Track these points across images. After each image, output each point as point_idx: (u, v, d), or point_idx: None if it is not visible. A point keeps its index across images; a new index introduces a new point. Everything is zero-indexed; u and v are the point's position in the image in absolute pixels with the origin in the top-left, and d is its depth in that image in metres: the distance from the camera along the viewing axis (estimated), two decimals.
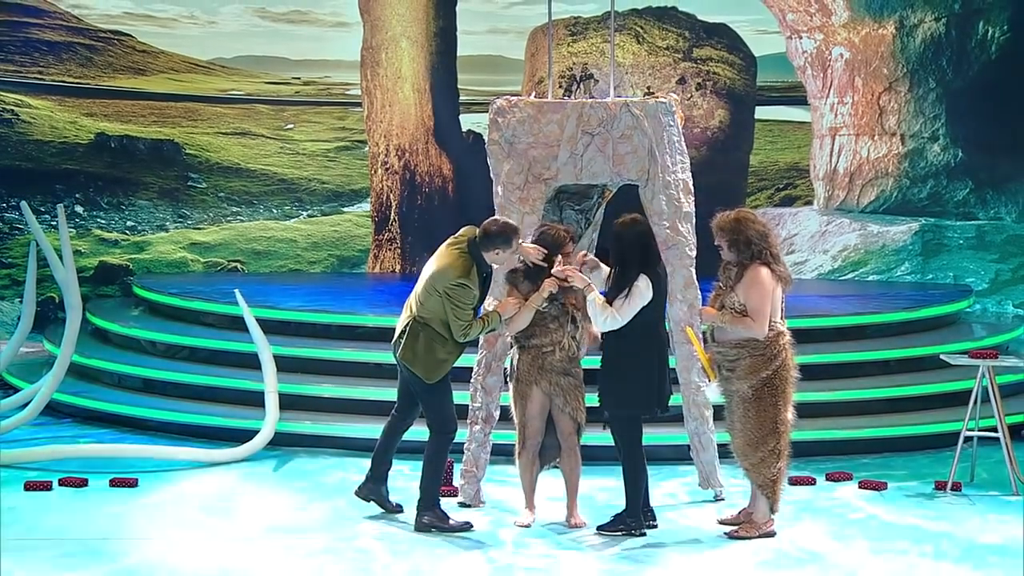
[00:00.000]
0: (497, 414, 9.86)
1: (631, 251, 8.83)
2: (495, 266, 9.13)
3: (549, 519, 9.34)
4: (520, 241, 9.08)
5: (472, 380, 9.86)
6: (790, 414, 8.94)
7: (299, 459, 11.04)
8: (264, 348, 11.31)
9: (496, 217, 9.25)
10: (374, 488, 9.44)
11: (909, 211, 15.91)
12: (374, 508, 9.47)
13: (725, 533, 8.98)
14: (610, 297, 8.82)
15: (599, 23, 16.09)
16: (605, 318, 8.78)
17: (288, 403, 11.38)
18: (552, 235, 9.13)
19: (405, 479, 9.91)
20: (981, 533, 9.19)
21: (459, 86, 16.28)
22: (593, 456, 9.75)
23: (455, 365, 9.18)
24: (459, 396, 9.45)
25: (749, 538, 8.87)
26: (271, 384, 11.23)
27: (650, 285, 8.77)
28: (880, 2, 15.81)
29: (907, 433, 11.42)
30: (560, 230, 9.17)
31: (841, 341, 12.30)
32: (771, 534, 8.94)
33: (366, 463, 9.51)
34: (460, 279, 8.89)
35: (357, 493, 9.49)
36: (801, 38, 16.11)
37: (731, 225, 8.76)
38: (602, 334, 8.96)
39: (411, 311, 9.10)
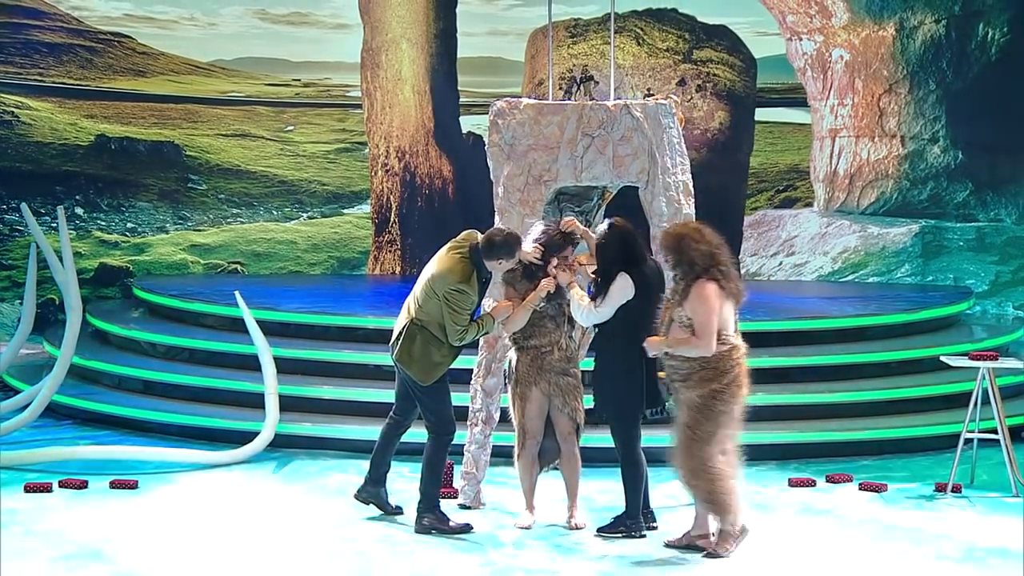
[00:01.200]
0: (497, 416, 9.86)
1: (611, 253, 8.86)
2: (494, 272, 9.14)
3: (549, 521, 9.34)
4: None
5: (472, 382, 9.87)
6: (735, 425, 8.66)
7: (299, 461, 11.04)
8: (264, 350, 11.31)
9: (500, 227, 9.25)
10: (373, 491, 9.44)
11: (909, 213, 15.91)
12: (374, 510, 9.47)
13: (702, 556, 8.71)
14: (594, 297, 8.86)
15: (599, 25, 16.09)
16: (584, 312, 8.81)
17: (288, 405, 11.38)
18: (553, 237, 9.12)
19: (405, 481, 9.91)
20: (981, 535, 9.19)
21: (459, 88, 16.28)
22: (593, 458, 9.75)
23: (455, 367, 9.18)
24: (459, 398, 9.45)
25: (723, 555, 8.60)
26: (271, 386, 11.23)
27: (630, 282, 8.76)
28: (880, 4, 15.81)
29: (907, 435, 11.42)
30: (561, 234, 9.15)
31: (841, 343, 12.30)
32: (717, 556, 8.65)
33: (366, 465, 9.51)
34: (460, 284, 8.89)
35: (356, 496, 9.49)
36: (801, 40, 16.11)
37: (673, 244, 8.61)
38: (593, 338, 8.98)
39: (409, 313, 9.11)
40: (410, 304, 9.12)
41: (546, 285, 8.99)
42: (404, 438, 9.51)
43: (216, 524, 9.32)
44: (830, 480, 10.48)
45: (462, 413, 9.59)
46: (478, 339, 9.32)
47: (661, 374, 8.84)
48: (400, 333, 9.11)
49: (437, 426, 9.12)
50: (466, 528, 9.14)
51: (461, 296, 8.88)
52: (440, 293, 8.90)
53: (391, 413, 9.46)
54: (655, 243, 9.59)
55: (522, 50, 16.25)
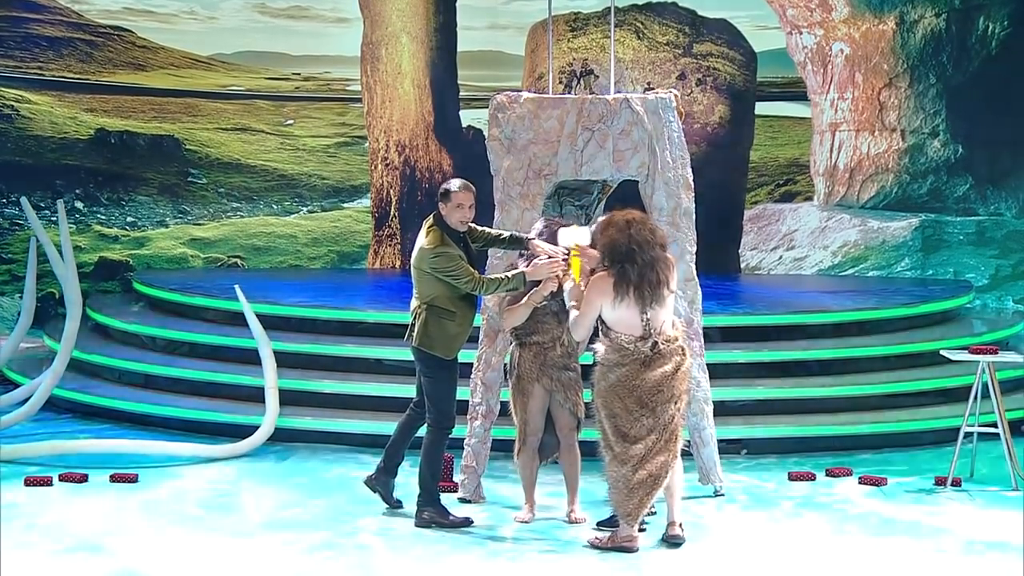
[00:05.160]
0: (497, 409, 9.86)
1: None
2: (468, 233, 9.10)
3: (549, 515, 9.35)
4: (466, 194, 9.05)
5: (472, 376, 9.87)
6: (640, 431, 8.52)
7: (299, 455, 11.05)
8: (264, 344, 11.31)
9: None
10: (383, 480, 9.47)
11: (909, 207, 15.91)
12: (374, 504, 9.47)
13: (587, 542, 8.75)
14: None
15: (599, 18, 16.08)
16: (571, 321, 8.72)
17: (288, 399, 11.38)
18: (557, 232, 9.09)
19: (405, 474, 9.91)
20: (981, 529, 9.19)
21: (459, 82, 16.27)
22: (592, 452, 9.74)
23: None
24: (459, 392, 9.44)
25: (603, 548, 8.60)
26: (271, 380, 11.24)
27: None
28: None
29: (907, 428, 11.43)
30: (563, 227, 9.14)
31: (841, 337, 12.30)
32: (630, 549, 8.57)
33: (366, 458, 9.53)
34: (435, 249, 8.95)
35: (366, 482, 9.52)
36: (801, 34, 16.11)
37: (600, 226, 8.59)
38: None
39: (414, 303, 9.15)
40: (413, 295, 9.19)
41: (549, 285, 8.98)
42: None
43: (216, 518, 9.32)
44: (830, 474, 10.48)
45: (462, 407, 9.58)
46: (511, 293, 9.16)
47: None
48: (412, 323, 9.14)
49: (437, 418, 9.13)
50: (466, 522, 9.15)
51: (441, 258, 8.93)
52: (427, 269, 8.97)
53: (411, 405, 9.46)
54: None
55: (522, 44, 16.24)
